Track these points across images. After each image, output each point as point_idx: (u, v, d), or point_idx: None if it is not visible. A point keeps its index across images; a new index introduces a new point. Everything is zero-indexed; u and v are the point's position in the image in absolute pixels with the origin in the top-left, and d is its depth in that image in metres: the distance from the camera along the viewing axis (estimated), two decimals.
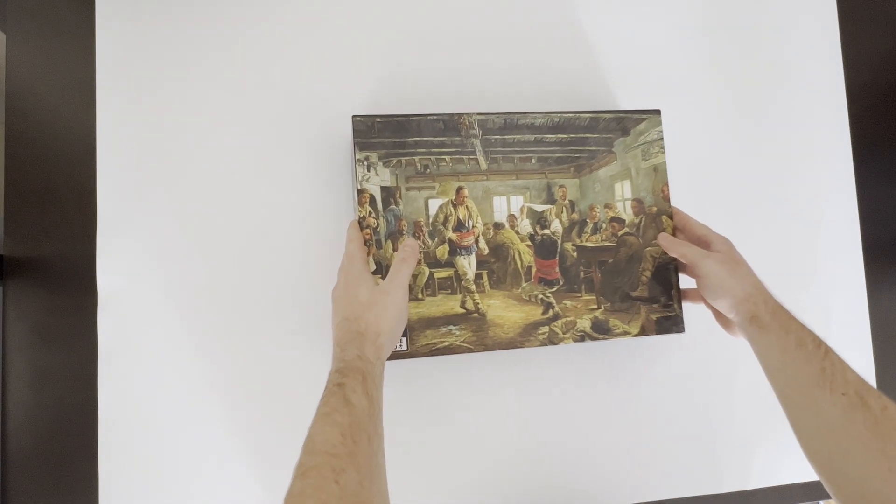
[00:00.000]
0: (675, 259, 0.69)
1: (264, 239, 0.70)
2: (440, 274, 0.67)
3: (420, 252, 0.65)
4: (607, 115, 0.73)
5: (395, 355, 0.64)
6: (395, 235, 0.66)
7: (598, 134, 0.72)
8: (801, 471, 0.76)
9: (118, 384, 0.66)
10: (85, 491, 0.65)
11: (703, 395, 0.75)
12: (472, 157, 0.69)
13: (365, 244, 0.65)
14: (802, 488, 0.76)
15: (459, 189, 0.68)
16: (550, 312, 0.68)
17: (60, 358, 0.66)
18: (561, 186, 0.70)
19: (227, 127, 0.71)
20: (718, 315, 0.66)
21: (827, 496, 0.78)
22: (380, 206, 0.66)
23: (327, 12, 0.74)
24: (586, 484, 0.71)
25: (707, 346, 0.75)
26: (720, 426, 0.75)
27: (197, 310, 0.68)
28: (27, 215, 0.67)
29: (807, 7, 0.84)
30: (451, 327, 0.66)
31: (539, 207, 0.70)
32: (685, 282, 0.69)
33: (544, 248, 0.69)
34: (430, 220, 0.67)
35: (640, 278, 0.70)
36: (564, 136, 0.71)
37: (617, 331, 0.68)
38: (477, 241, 0.68)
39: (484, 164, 0.69)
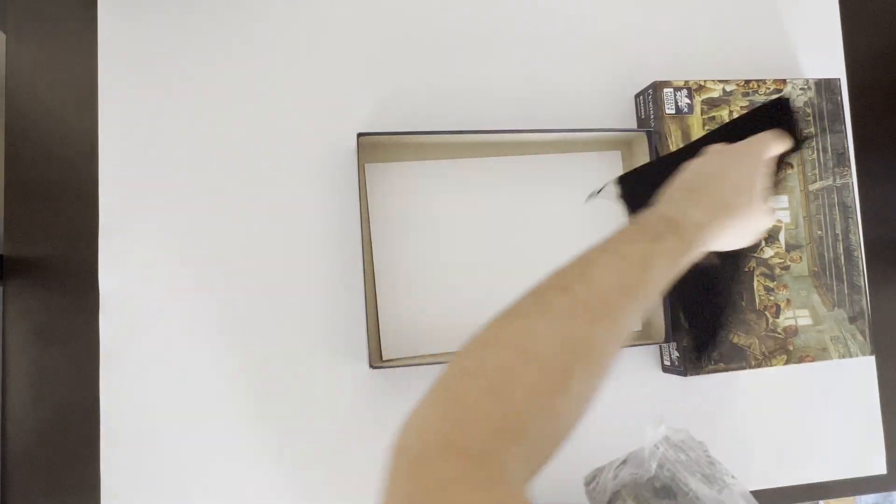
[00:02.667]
0: None
1: (266, 240, 0.70)
2: None
3: None
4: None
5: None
6: None
7: None
8: (801, 471, 0.77)
9: (120, 384, 0.66)
10: (86, 491, 0.65)
11: (702, 396, 0.75)
12: None
13: None
14: (802, 489, 0.76)
15: None
16: None
17: (61, 358, 0.66)
18: None
19: (231, 126, 0.70)
20: None
21: (826, 496, 0.78)
22: None
23: (334, 25, 0.74)
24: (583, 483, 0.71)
25: None
26: (720, 427, 0.75)
27: (199, 309, 0.68)
28: (27, 215, 0.67)
29: (808, 7, 0.84)
30: None
31: None
32: None
33: None
34: None
35: None
36: None
37: None
38: None
39: None
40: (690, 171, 0.51)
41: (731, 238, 0.49)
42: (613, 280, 0.39)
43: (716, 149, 0.53)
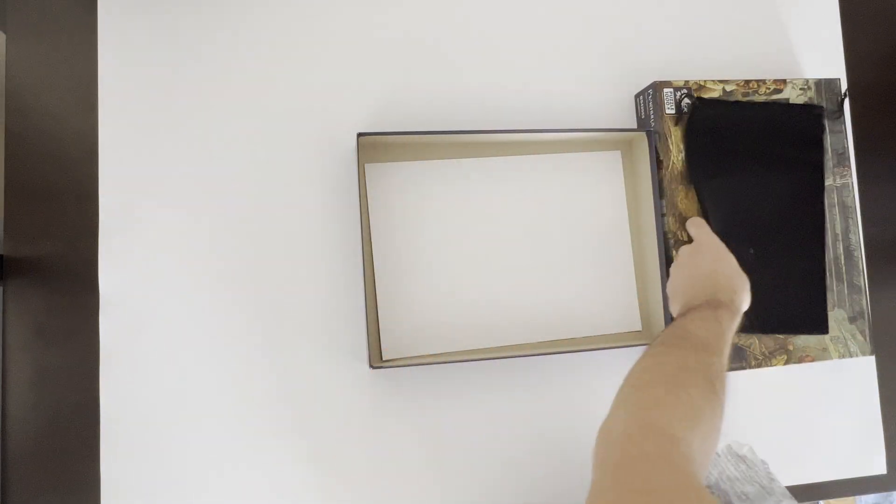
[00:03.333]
0: None
1: (266, 240, 0.70)
2: None
3: None
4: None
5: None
6: None
7: None
8: (800, 472, 0.76)
9: (120, 384, 0.66)
10: (87, 491, 0.65)
11: None
12: None
13: None
14: (802, 489, 0.76)
15: None
16: None
17: (61, 358, 0.66)
18: None
19: (231, 126, 0.71)
20: None
21: (826, 496, 0.78)
22: None
23: (335, 22, 0.74)
24: (583, 483, 0.71)
25: None
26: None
27: (199, 309, 0.68)
28: (27, 215, 0.67)
29: (808, 7, 0.84)
30: None
31: None
32: None
33: None
34: None
35: None
36: None
37: None
38: None
39: None
40: (685, 276, 0.66)
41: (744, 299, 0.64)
42: (707, 335, 0.54)
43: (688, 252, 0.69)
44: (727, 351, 0.55)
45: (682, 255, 0.68)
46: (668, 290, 0.67)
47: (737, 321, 0.59)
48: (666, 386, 0.48)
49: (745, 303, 0.64)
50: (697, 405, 0.47)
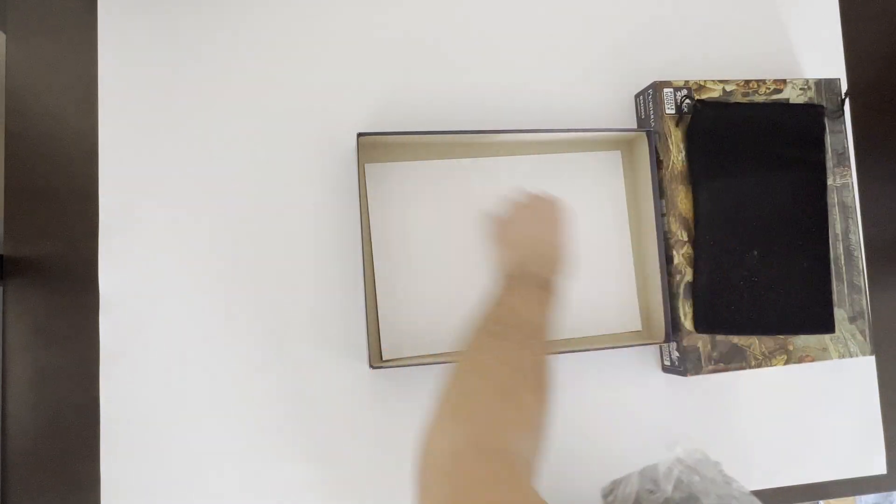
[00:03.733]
0: None
1: (266, 240, 0.70)
2: None
3: None
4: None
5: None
6: None
7: None
8: (801, 471, 0.77)
9: (120, 384, 0.66)
10: (87, 491, 0.65)
11: (702, 396, 0.75)
12: None
13: None
14: (802, 489, 0.76)
15: None
16: None
17: (61, 358, 0.66)
18: None
19: (231, 126, 0.71)
20: None
21: (826, 496, 0.78)
22: None
23: (336, 22, 0.74)
24: (587, 484, 0.71)
25: None
26: (720, 427, 0.75)
27: (199, 309, 0.68)
28: (27, 215, 0.67)
29: (808, 7, 0.84)
30: None
31: None
32: None
33: None
34: None
35: None
36: None
37: None
38: None
39: None
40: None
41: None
42: (540, 321, 0.53)
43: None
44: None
45: (532, 206, 0.64)
46: (499, 235, 0.63)
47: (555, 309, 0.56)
48: (500, 394, 0.42)
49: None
50: (532, 411, 0.43)
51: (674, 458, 0.59)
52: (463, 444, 0.37)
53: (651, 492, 0.59)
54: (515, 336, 0.48)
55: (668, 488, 0.58)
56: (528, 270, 0.58)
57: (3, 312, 0.65)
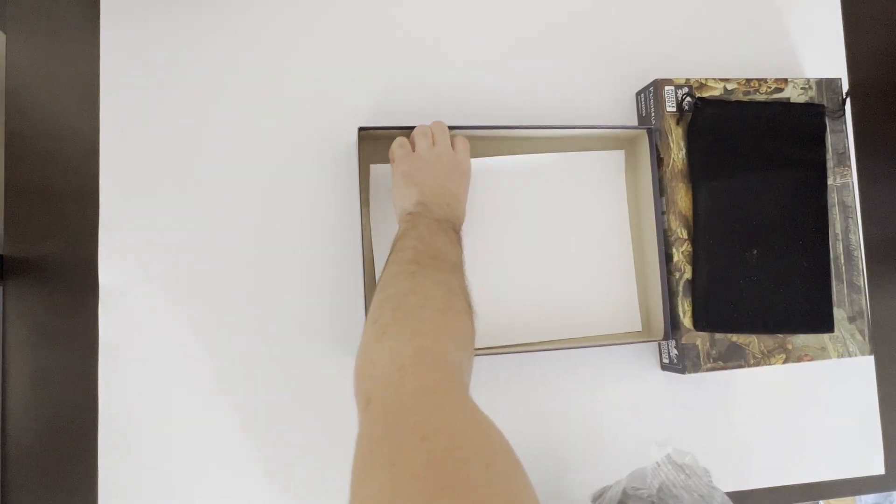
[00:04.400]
0: None
1: (267, 238, 0.70)
2: None
3: None
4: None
5: None
6: None
7: None
8: (799, 471, 0.77)
9: (119, 384, 0.66)
10: (85, 491, 0.65)
11: (701, 395, 0.76)
12: None
13: None
14: (801, 489, 0.77)
15: None
16: None
17: (61, 357, 0.66)
18: None
19: (232, 125, 0.71)
20: None
21: (826, 496, 0.78)
22: None
23: (336, 19, 0.74)
24: (586, 483, 0.72)
25: None
26: (718, 426, 0.75)
27: (199, 309, 0.68)
28: (27, 215, 0.67)
29: (809, 6, 0.84)
30: None
31: None
32: None
33: None
34: None
35: None
36: None
37: None
38: None
39: None
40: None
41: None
42: (457, 260, 0.55)
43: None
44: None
45: (440, 144, 0.65)
46: (405, 171, 0.63)
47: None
48: (439, 311, 0.44)
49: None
50: (467, 328, 0.45)
51: (664, 455, 0.59)
52: (409, 358, 0.38)
53: (637, 489, 0.59)
54: (443, 267, 0.50)
55: (655, 484, 0.58)
56: (432, 211, 0.58)
57: (3, 312, 0.66)
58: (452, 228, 0.58)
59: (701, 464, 0.60)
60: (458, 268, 0.52)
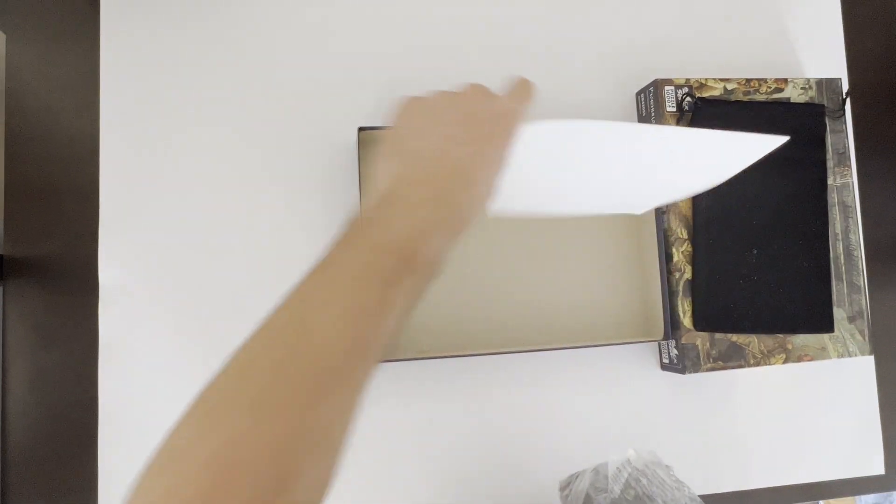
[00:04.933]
0: None
1: (266, 239, 0.70)
2: None
3: None
4: None
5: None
6: None
7: None
8: (799, 471, 0.77)
9: (119, 384, 0.66)
10: (84, 491, 0.65)
11: (701, 394, 0.76)
12: None
13: None
14: (801, 489, 0.77)
15: None
16: None
17: (60, 357, 0.66)
18: None
19: (232, 126, 0.71)
20: None
21: (826, 496, 0.78)
22: None
23: (335, 21, 0.74)
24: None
25: None
26: (718, 426, 0.75)
27: (199, 309, 0.68)
28: (27, 215, 0.67)
29: (809, 6, 0.84)
30: None
31: None
32: None
33: None
34: None
35: None
36: None
37: None
38: None
39: None
40: (412, 158, 0.38)
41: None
42: (340, 338, 0.30)
43: (442, 104, 0.39)
44: (374, 356, 0.32)
45: (470, 95, 0.41)
46: (393, 134, 0.40)
47: (424, 290, 0.35)
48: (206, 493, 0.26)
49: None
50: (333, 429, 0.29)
51: (624, 459, 0.60)
52: (208, 477, 0.26)
53: (600, 490, 0.59)
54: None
55: (617, 489, 0.58)
56: (391, 224, 0.35)
57: (3, 312, 0.66)
58: (407, 268, 0.33)
59: (663, 461, 0.61)
60: (332, 374, 0.29)
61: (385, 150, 0.39)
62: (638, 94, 0.78)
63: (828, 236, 0.74)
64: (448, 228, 0.36)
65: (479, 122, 0.39)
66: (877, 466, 0.79)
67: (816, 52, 0.83)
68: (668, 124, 0.72)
